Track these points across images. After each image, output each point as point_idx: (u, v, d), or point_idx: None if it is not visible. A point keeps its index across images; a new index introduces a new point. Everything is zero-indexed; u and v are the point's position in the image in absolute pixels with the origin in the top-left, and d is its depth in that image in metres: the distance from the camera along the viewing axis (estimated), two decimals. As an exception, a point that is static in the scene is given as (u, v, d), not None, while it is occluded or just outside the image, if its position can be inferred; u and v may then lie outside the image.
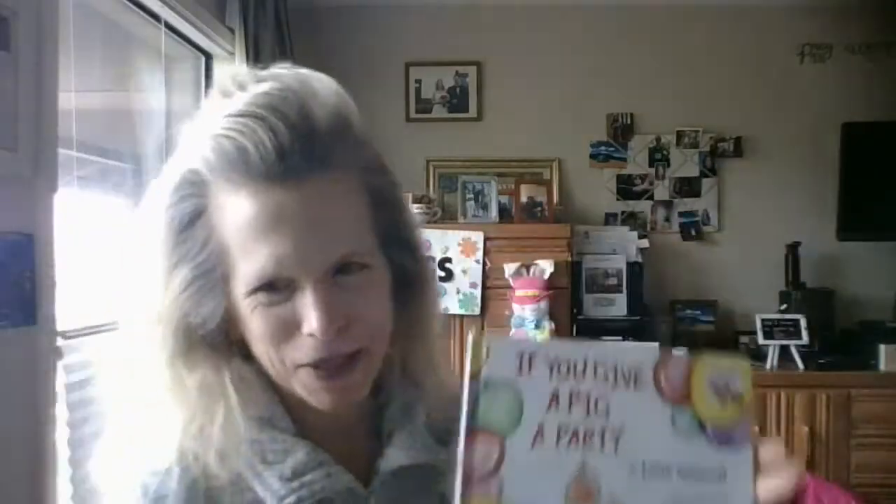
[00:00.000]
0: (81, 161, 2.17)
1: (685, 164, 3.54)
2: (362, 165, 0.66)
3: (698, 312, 3.42)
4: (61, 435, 1.74)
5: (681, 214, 3.54)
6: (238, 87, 0.64)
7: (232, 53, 2.92)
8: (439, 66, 3.51)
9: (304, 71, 0.66)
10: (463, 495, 0.47)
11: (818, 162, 3.42)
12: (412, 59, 3.50)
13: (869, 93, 3.41)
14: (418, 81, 3.52)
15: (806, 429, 2.94)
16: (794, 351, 3.06)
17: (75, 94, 1.93)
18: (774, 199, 3.48)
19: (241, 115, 0.61)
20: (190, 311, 0.63)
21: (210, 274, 0.63)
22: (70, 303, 1.87)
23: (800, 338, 3.07)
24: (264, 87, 0.62)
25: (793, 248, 3.35)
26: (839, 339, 3.24)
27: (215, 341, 0.64)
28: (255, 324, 0.62)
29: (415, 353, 0.72)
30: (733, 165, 3.54)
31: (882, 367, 3.03)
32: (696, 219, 3.54)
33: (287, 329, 0.62)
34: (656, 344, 0.52)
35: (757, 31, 3.49)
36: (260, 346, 0.63)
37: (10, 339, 1.54)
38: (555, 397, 0.49)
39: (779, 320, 3.12)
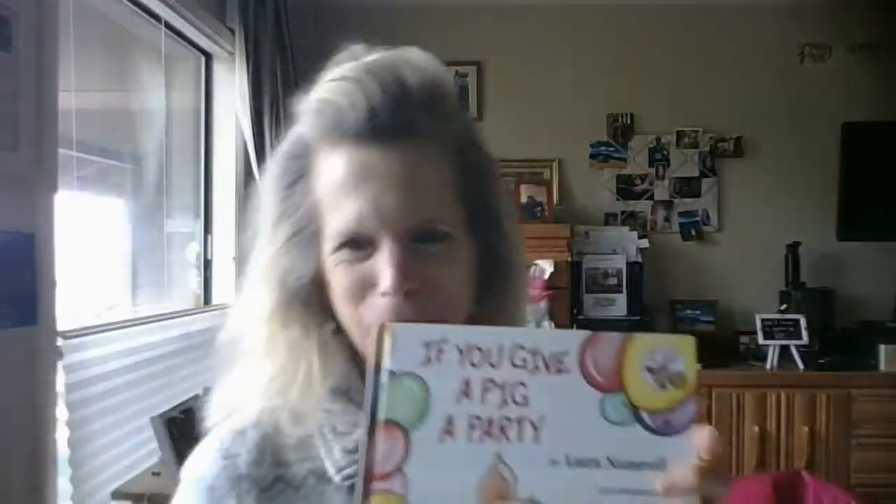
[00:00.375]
0: (81, 161, 2.17)
1: (685, 164, 3.54)
2: (453, 138, 0.66)
3: (698, 312, 3.42)
4: (61, 435, 1.74)
5: (681, 214, 3.55)
6: (350, 57, 0.68)
7: (232, 53, 2.92)
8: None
9: (411, 47, 0.67)
10: (364, 493, 0.44)
11: (818, 162, 3.42)
12: (412, 59, 3.50)
13: (869, 93, 3.41)
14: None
15: (806, 429, 2.94)
16: (794, 351, 3.06)
17: (75, 94, 1.93)
18: (774, 199, 3.48)
19: (342, 79, 0.64)
20: (287, 268, 0.66)
21: (305, 231, 0.66)
22: (70, 303, 1.87)
23: (800, 338, 3.07)
24: (368, 56, 0.66)
25: (793, 248, 3.36)
26: (839, 339, 3.24)
27: (310, 301, 0.66)
28: (337, 281, 0.63)
29: None
30: (733, 165, 3.54)
31: (882, 367, 3.04)
32: (696, 219, 3.54)
33: (363, 287, 0.62)
34: (588, 332, 0.51)
35: (757, 31, 3.49)
36: (342, 307, 0.64)
37: (10, 339, 1.54)
38: (466, 387, 0.46)
39: (779, 320, 3.12)
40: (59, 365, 1.72)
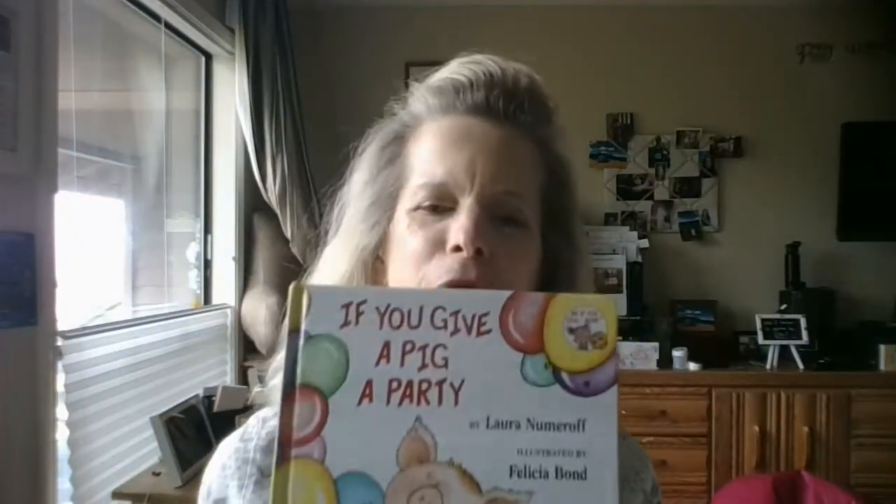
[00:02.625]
0: (81, 161, 2.17)
1: (685, 164, 3.54)
2: (545, 140, 0.69)
3: (698, 312, 3.42)
4: (61, 435, 1.74)
5: (681, 214, 3.55)
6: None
7: (232, 53, 2.92)
8: (439, 66, 3.50)
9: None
10: (280, 459, 0.43)
11: (818, 162, 3.42)
12: (412, 59, 3.50)
13: (869, 93, 3.41)
14: (418, 81, 3.51)
15: (806, 429, 2.94)
16: (794, 351, 3.07)
17: (75, 94, 1.93)
18: (774, 199, 3.48)
19: (469, 62, 0.69)
20: (363, 229, 0.67)
21: (385, 190, 0.67)
22: (70, 303, 1.87)
23: (800, 338, 3.07)
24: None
25: (793, 248, 3.36)
26: (839, 339, 3.24)
27: (373, 266, 0.67)
28: (408, 240, 0.63)
29: None
30: (733, 165, 3.54)
31: (882, 367, 3.04)
32: (696, 219, 3.54)
33: (434, 247, 0.62)
34: (509, 292, 0.50)
35: (757, 31, 3.49)
36: (404, 269, 0.64)
37: (10, 339, 1.54)
38: (385, 349, 0.45)
39: (779, 320, 3.12)
40: (59, 365, 1.73)
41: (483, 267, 0.60)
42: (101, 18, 2.39)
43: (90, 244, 2.32)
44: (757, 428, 2.96)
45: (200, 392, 2.29)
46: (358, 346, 0.45)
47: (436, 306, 0.45)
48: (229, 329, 2.97)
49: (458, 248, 0.60)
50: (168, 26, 2.60)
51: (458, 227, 0.61)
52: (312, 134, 3.22)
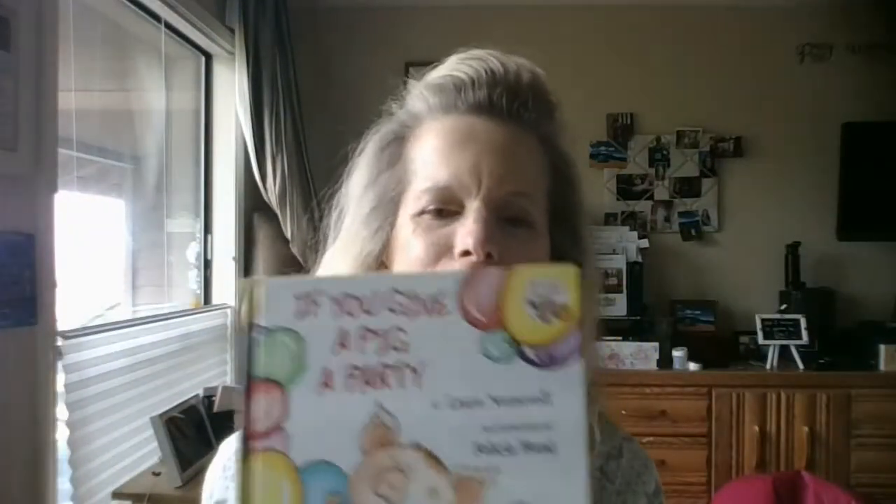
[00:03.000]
0: (81, 161, 2.17)
1: (685, 164, 3.54)
2: (549, 134, 0.68)
3: (698, 312, 3.42)
4: (61, 435, 1.74)
5: (681, 214, 3.55)
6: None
7: (232, 53, 2.92)
8: (438, 64, 3.50)
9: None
10: (245, 453, 0.43)
11: (818, 162, 3.42)
12: (412, 59, 3.50)
13: (869, 93, 3.41)
14: (416, 80, 3.52)
15: (806, 429, 2.94)
16: (794, 351, 3.07)
17: (75, 94, 1.93)
18: (774, 199, 3.48)
19: (469, 58, 0.68)
20: (365, 235, 0.66)
21: (387, 195, 0.66)
22: (70, 303, 1.87)
23: (800, 338, 3.07)
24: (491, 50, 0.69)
25: (793, 248, 3.36)
26: (839, 339, 3.24)
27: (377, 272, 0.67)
28: (413, 245, 0.62)
29: None
30: (733, 165, 3.54)
31: (882, 367, 3.04)
32: (696, 219, 3.54)
33: (440, 251, 0.61)
34: (466, 270, 0.50)
35: (757, 31, 3.49)
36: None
37: (10, 339, 1.54)
38: (342, 337, 0.45)
39: (779, 320, 3.12)
40: (59, 365, 1.73)
41: None
42: (101, 18, 2.39)
43: (90, 244, 2.32)
44: (757, 428, 2.96)
45: (200, 392, 2.29)
46: (315, 336, 0.45)
47: (392, 289, 0.45)
48: (229, 329, 2.97)
49: (466, 253, 0.59)
50: (168, 26, 2.60)
51: (466, 232, 0.59)
52: (312, 134, 3.22)
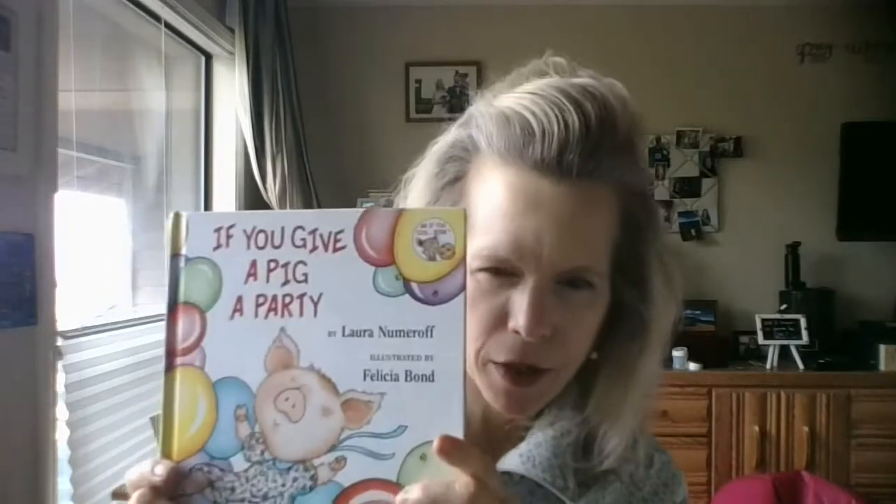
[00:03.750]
0: (81, 161, 2.17)
1: (685, 164, 3.54)
2: (628, 185, 0.63)
3: (698, 312, 3.41)
4: (61, 435, 1.74)
5: (681, 214, 3.54)
6: (554, 69, 0.66)
7: (232, 53, 2.92)
8: (439, 66, 3.51)
9: (617, 84, 0.65)
10: (167, 367, 0.49)
11: (818, 162, 3.42)
12: (412, 59, 3.50)
13: (869, 93, 3.41)
14: (418, 81, 3.52)
15: (806, 429, 2.94)
16: (794, 351, 3.07)
17: (75, 94, 1.93)
18: (774, 199, 3.48)
19: (543, 98, 0.61)
20: None
21: None
22: (70, 303, 1.87)
23: (800, 338, 3.07)
24: (578, 80, 0.63)
25: (793, 248, 3.36)
26: (839, 339, 3.24)
27: None
28: (469, 307, 0.61)
29: (607, 397, 0.66)
30: (733, 165, 3.54)
31: (882, 367, 3.04)
32: (696, 219, 3.54)
33: (494, 320, 0.60)
34: (363, 209, 0.51)
35: (757, 31, 3.49)
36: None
37: (10, 339, 1.54)
38: (253, 267, 0.49)
39: (779, 320, 3.12)
40: (59, 365, 1.73)
41: (545, 345, 0.60)
42: (101, 18, 2.39)
43: (90, 244, 2.32)
44: (757, 428, 2.96)
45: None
46: (229, 265, 0.50)
47: (296, 226, 0.50)
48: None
49: (519, 332, 0.59)
50: (168, 26, 2.60)
51: (520, 311, 0.58)
52: (312, 134, 3.22)
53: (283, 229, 0.49)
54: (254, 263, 0.49)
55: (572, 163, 0.59)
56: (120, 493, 1.96)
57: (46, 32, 1.64)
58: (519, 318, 0.58)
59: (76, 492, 1.79)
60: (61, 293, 1.70)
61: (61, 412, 1.73)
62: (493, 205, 0.61)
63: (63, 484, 1.73)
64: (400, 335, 0.48)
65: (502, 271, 0.60)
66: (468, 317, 0.61)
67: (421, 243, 0.49)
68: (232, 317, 0.49)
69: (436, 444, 0.45)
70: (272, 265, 0.49)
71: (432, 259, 0.49)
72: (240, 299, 0.49)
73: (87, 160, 2.27)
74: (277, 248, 0.49)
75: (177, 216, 0.50)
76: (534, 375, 0.62)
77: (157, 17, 2.53)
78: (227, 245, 0.50)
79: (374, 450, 0.47)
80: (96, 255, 2.38)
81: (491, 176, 0.62)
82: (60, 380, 1.73)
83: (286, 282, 0.49)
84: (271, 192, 2.96)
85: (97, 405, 1.91)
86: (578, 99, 0.60)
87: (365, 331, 0.48)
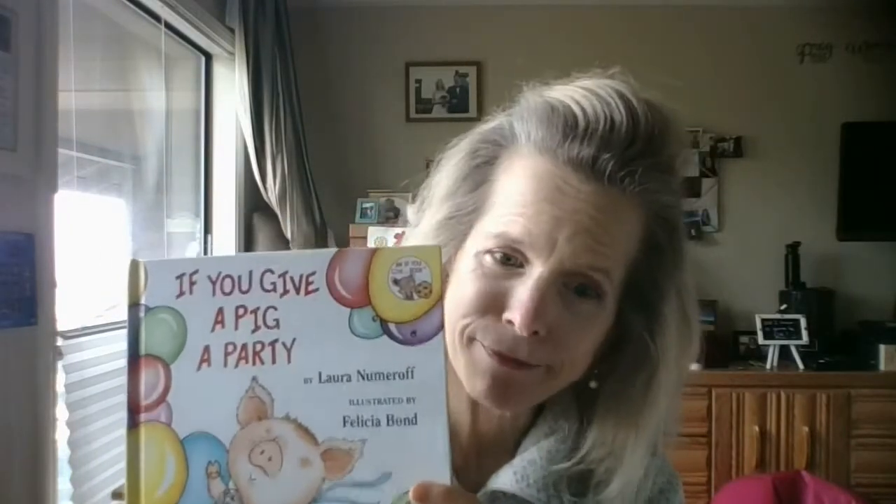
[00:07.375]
0: (81, 161, 2.17)
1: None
2: (658, 207, 0.60)
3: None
4: (61, 435, 1.74)
5: (681, 214, 3.54)
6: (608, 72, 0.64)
7: (232, 53, 2.92)
8: (439, 66, 3.51)
9: (680, 113, 0.63)
10: (130, 425, 0.46)
11: (818, 162, 3.42)
12: (412, 59, 3.50)
13: (869, 93, 3.40)
14: (418, 81, 3.52)
15: (806, 429, 2.94)
16: (794, 351, 3.06)
17: (75, 94, 1.93)
18: (774, 199, 3.48)
19: (595, 94, 0.59)
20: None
21: (462, 212, 0.62)
22: (70, 303, 1.87)
23: (800, 338, 3.07)
24: (632, 85, 0.62)
25: (793, 248, 3.35)
26: (839, 339, 3.24)
27: None
28: (466, 285, 0.58)
29: (609, 434, 0.62)
30: (733, 165, 3.53)
31: (882, 367, 3.03)
32: (696, 219, 3.53)
33: (490, 305, 0.57)
34: (334, 249, 0.51)
35: (757, 31, 3.49)
36: (453, 309, 0.59)
37: (10, 339, 1.54)
38: (220, 315, 0.47)
39: (779, 320, 3.12)
40: (59, 365, 1.73)
41: (536, 345, 0.57)
42: (101, 18, 2.39)
43: (90, 244, 2.32)
44: (757, 428, 2.96)
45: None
46: (194, 314, 0.47)
47: (264, 269, 0.48)
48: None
49: (512, 322, 0.56)
50: (168, 26, 2.60)
51: (518, 303, 0.56)
52: (312, 134, 3.22)
53: (250, 273, 0.47)
54: (220, 311, 0.47)
55: (607, 166, 0.56)
56: (120, 493, 1.96)
57: (46, 32, 1.64)
58: (516, 312, 0.56)
59: (76, 492, 1.79)
60: (61, 293, 1.70)
61: (61, 412, 1.73)
62: (516, 189, 0.59)
63: (63, 484, 1.73)
64: (379, 378, 0.46)
65: (510, 260, 0.58)
66: (455, 293, 0.60)
67: (397, 282, 0.47)
68: (199, 368, 0.47)
69: (411, 493, 0.44)
70: (241, 311, 0.47)
71: (409, 298, 0.47)
72: (207, 349, 0.47)
73: (87, 160, 2.27)
74: (245, 293, 0.47)
75: (134, 264, 0.48)
76: (521, 365, 0.58)
77: (157, 17, 2.53)
78: (191, 292, 0.47)
79: (357, 500, 0.45)
80: (96, 255, 2.37)
81: (521, 164, 0.60)
82: (60, 380, 1.73)
83: (256, 328, 0.47)
84: (271, 192, 2.96)
85: (97, 405, 1.91)
86: (633, 104, 0.58)
87: (343, 375, 0.47)
